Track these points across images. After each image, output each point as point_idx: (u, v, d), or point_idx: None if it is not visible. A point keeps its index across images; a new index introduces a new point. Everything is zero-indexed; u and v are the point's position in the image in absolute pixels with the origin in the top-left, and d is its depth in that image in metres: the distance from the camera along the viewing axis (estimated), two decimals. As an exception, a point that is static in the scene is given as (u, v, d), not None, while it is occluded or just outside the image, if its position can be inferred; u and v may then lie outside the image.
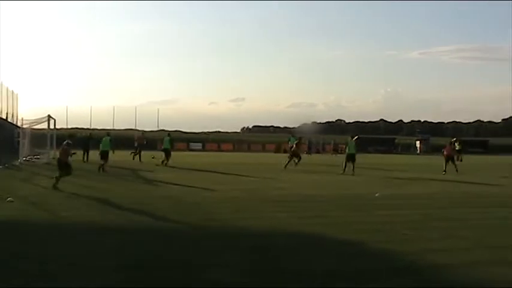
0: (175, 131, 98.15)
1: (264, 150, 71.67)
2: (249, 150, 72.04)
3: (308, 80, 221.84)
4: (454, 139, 37.37)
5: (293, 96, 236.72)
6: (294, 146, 30.47)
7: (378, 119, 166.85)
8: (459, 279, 6.95)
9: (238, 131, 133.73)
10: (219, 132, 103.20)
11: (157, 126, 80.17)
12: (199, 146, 74.32)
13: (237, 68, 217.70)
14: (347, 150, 27.69)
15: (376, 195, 16.27)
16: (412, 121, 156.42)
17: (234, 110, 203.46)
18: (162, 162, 30.97)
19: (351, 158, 26.83)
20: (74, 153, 18.48)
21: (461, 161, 36.10)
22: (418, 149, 79.91)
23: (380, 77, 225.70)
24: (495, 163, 38.57)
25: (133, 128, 78.92)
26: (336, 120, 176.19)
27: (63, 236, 9.56)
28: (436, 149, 69.23)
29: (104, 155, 25.77)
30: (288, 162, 29.37)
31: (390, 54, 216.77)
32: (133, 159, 35.12)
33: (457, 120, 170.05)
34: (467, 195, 17.14)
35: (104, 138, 26.86)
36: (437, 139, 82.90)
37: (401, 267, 7.49)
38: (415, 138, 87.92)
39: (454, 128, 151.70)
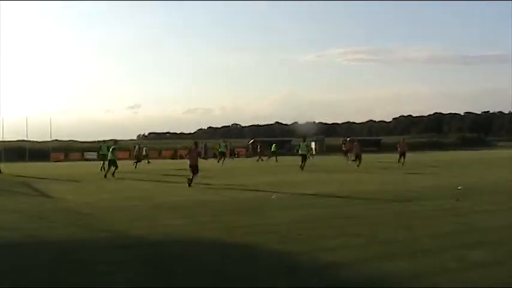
0: (70, 140, 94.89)
1: (160, 156, 70.68)
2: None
3: (204, 85, 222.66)
4: (403, 138, 44.56)
5: (189, 101, 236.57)
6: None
7: (273, 122, 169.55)
8: (353, 276, 6.97)
9: (135, 138, 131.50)
10: (115, 140, 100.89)
11: (50, 137, 77.01)
12: (94, 155, 72.03)
13: (132, 75, 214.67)
14: (300, 151, 32.66)
15: (272, 197, 16.33)
16: (307, 123, 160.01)
17: (130, 117, 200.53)
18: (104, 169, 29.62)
19: (303, 157, 31.61)
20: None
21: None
22: (314, 150, 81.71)
23: (275, 80, 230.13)
24: (389, 161, 40.06)
25: (24, 139, 75.27)
26: (232, 125, 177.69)
27: None
28: (331, 149, 71.22)
29: (113, 163, 27.47)
30: None
31: (286, 58, 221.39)
32: (136, 167, 38.02)
33: (351, 121, 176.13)
34: (361, 193, 17.48)
35: (110, 148, 28.26)
36: (332, 139, 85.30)
37: (294, 266, 7.44)
38: (311, 139, 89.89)
39: (348, 129, 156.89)
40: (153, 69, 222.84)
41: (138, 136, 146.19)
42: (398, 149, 36.98)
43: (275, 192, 18.16)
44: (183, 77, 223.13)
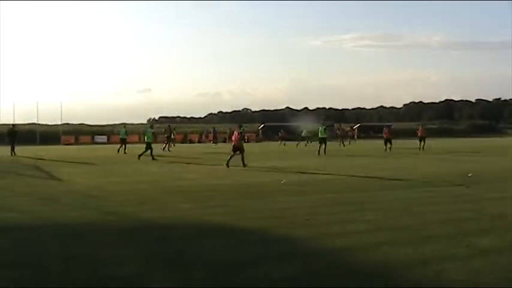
0: (80, 124, 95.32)
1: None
2: (155, 141, 71.06)
3: (214, 69, 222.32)
4: (421, 124, 47.39)
5: (199, 86, 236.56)
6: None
7: (284, 107, 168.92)
8: (360, 261, 6.96)
9: (145, 122, 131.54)
10: (125, 124, 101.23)
11: (61, 120, 77.43)
12: (104, 138, 72.54)
13: (143, 58, 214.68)
14: (319, 135, 33.84)
15: (282, 182, 16.35)
16: (317, 108, 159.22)
17: (141, 101, 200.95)
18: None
19: (322, 141, 32.83)
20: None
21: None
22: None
23: (285, 64, 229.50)
24: (397, 147, 39.96)
25: (35, 122, 75.79)
26: (242, 109, 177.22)
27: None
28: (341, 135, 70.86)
29: (148, 146, 28.67)
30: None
31: (295, 42, 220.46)
32: (164, 149, 38.70)
33: (361, 107, 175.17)
34: (370, 179, 17.48)
35: (147, 130, 30.11)
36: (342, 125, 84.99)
37: (302, 252, 7.45)
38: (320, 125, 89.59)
39: (358, 114, 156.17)
40: (163, 53, 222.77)
41: (149, 120, 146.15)
42: (418, 134, 39.16)
43: (288, 173, 18.18)
44: (193, 61, 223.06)
